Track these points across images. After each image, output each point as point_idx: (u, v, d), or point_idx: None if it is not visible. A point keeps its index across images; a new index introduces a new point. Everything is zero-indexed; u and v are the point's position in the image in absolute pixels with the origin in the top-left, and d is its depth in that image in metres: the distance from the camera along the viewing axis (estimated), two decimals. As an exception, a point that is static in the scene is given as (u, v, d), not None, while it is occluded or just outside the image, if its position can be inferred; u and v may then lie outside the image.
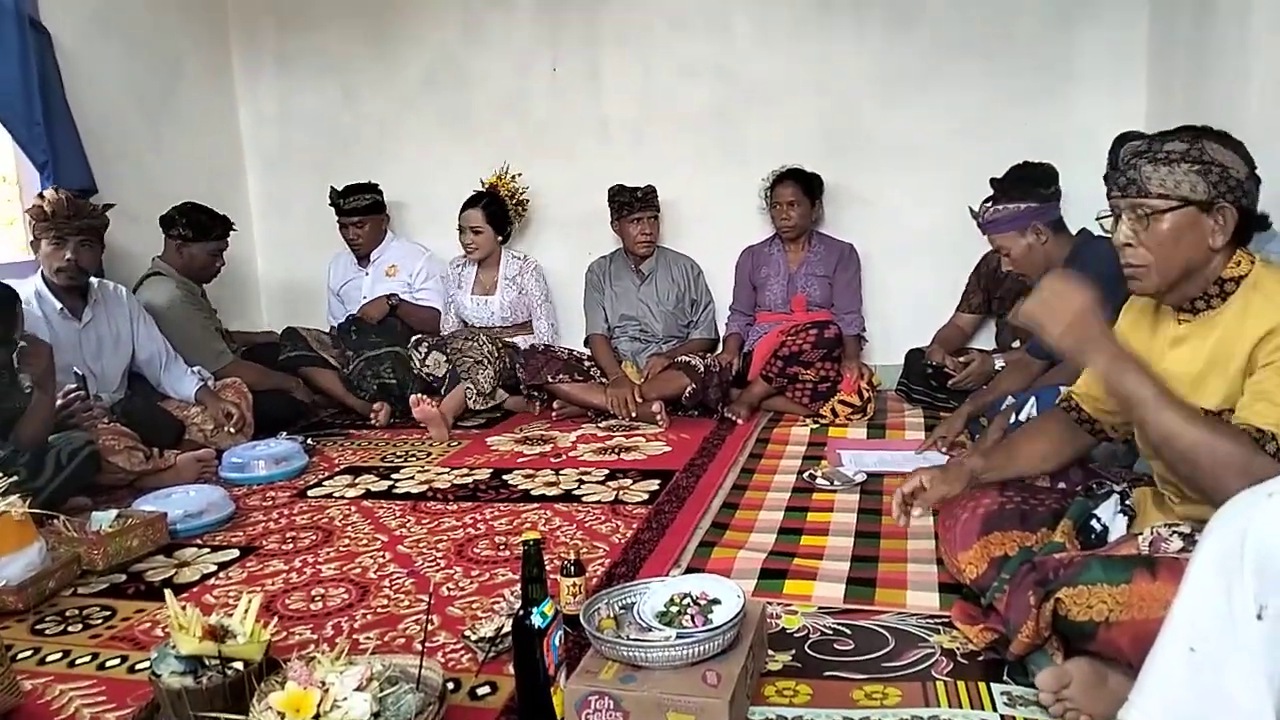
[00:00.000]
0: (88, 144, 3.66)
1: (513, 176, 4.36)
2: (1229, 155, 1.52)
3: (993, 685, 1.61)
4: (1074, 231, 2.90)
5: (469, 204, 4.13)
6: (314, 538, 2.56)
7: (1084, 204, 3.35)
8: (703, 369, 3.73)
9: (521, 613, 1.51)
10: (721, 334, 4.19)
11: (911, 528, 2.37)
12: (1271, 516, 0.90)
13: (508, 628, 1.69)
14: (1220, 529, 0.95)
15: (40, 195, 3.12)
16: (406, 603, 2.10)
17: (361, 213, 4.26)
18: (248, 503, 2.89)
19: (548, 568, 1.69)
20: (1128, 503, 1.83)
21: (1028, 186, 3.08)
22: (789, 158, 4.02)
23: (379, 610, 2.07)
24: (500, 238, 4.17)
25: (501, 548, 2.41)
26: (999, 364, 3.45)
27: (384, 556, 2.39)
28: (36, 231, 3.08)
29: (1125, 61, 3.83)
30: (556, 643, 1.54)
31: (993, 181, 3.32)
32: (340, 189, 4.25)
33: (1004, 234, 2.83)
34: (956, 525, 1.86)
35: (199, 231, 3.71)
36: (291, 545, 2.51)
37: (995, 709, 1.55)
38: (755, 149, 4.20)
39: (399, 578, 2.25)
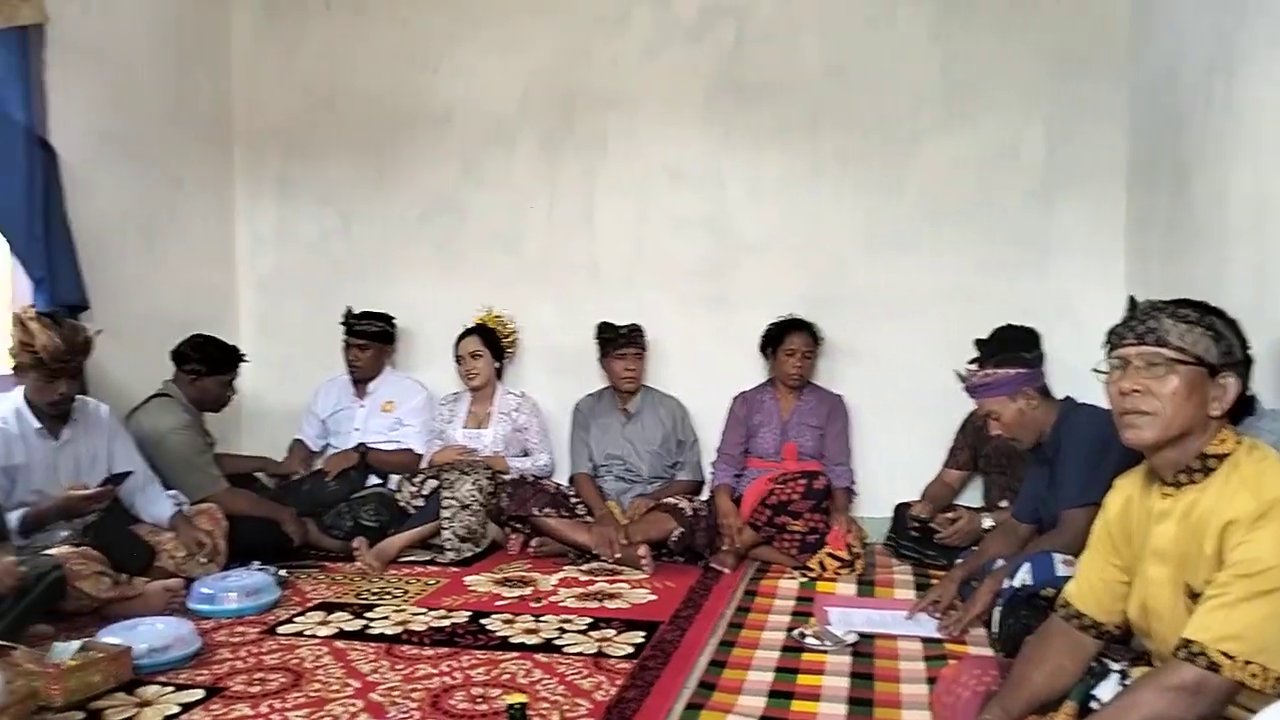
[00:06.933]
0: (84, 258, 3.65)
1: (498, 316, 4.42)
2: (1232, 334, 1.59)
3: None
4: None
5: (466, 334, 4.21)
6: (283, 680, 2.45)
7: (1062, 369, 3.42)
8: (690, 512, 3.68)
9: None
10: (707, 477, 4.13)
11: (905, 697, 2.33)
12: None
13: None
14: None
15: (24, 328, 2.94)
16: (379, 759, 2.00)
17: (370, 337, 4.30)
18: (215, 638, 2.77)
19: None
20: (1126, 682, 1.79)
21: (1013, 349, 3.13)
22: (777, 309, 4.06)
23: (349, 766, 1.97)
24: (497, 364, 4.23)
25: (479, 700, 2.31)
26: (987, 522, 3.44)
27: (356, 705, 2.28)
28: (22, 362, 2.97)
29: (1103, 235, 3.96)
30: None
31: (977, 342, 3.38)
32: (356, 311, 4.31)
33: (994, 399, 2.81)
34: (957, 703, 1.81)
35: (212, 366, 3.73)
36: (259, 687, 2.40)
37: None
38: (743, 298, 4.29)
39: (371, 729, 2.15)
